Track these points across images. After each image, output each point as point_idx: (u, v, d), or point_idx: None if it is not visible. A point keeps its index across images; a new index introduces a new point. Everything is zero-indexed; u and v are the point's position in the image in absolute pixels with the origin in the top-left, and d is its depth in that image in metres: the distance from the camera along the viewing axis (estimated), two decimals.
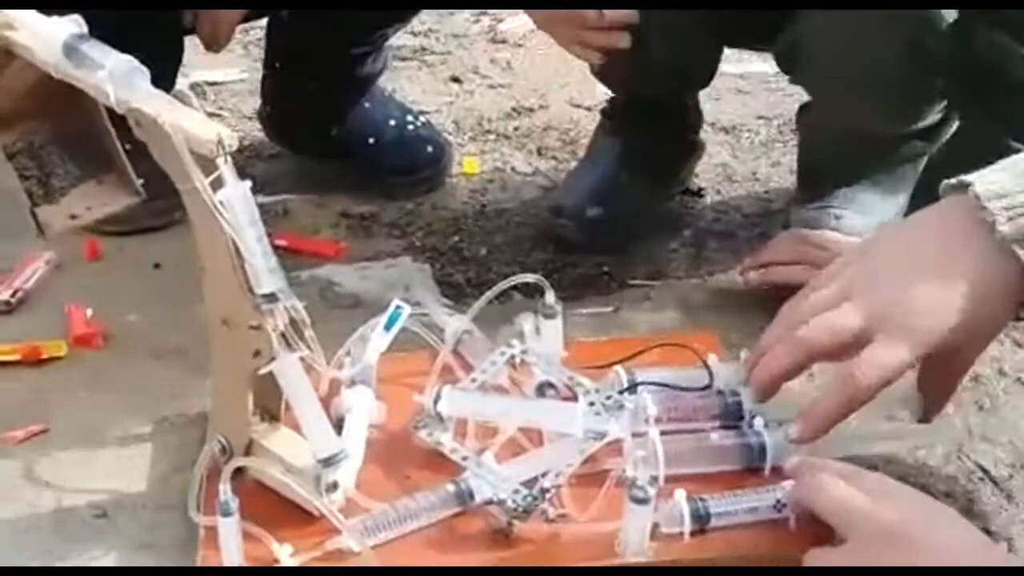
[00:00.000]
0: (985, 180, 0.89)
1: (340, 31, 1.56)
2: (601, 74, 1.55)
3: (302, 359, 0.92)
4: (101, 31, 0.92)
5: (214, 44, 1.49)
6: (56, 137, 1.05)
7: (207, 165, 0.86)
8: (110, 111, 0.95)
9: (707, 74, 1.53)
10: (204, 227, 0.89)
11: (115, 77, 0.87)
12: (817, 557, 0.86)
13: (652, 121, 1.54)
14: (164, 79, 1.42)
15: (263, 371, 0.92)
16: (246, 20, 1.48)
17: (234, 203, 0.86)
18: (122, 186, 1.06)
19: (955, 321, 0.89)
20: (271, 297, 0.88)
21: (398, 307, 1.07)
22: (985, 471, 1.07)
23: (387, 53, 1.68)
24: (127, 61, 0.88)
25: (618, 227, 1.48)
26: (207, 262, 0.92)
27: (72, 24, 0.92)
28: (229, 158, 0.86)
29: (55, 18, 0.93)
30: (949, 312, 0.89)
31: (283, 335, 0.91)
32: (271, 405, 0.98)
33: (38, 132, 1.04)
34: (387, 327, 1.06)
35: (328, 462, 0.93)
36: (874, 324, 0.90)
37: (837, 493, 0.86)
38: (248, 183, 0.87)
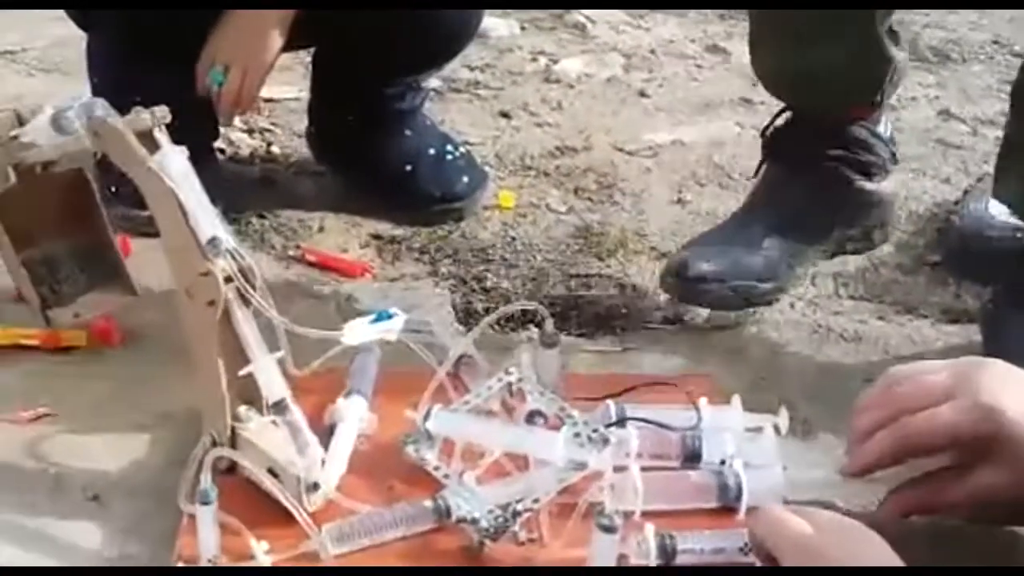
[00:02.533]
0: None
1: (374, 71, 1.61)
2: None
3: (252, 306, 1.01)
4: None
5: (239, 105, 1.48)
6: (70, 251, 1.25)
7: (151, 146, 1.02)
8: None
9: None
10: (156, 202, 1.00)
11: (81, 111, 1.05)
12: None
13: None
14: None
15: (243, 373, 0.96)
16: (286, 49, 1.50)
17: (171, 163, 1.00)
18: (122, 289, 1.26)
19: None
20: (214, 241, 0.99)
21: (389, 311, 1.09)
22: None
23: (425, 91, 1.72)
24: (89, 99, 1.05)
25: None
26: (167, 241, 1.01)
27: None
28: (164, 128, 1.03)
29: None
30: None
31: (236, 285, 1.00)
32: (254, 399, 1.02)
33: (55, 248, 1.23)
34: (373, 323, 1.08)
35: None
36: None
37: (776, 516, 0.86)
38: (183, 149, 1.02)
